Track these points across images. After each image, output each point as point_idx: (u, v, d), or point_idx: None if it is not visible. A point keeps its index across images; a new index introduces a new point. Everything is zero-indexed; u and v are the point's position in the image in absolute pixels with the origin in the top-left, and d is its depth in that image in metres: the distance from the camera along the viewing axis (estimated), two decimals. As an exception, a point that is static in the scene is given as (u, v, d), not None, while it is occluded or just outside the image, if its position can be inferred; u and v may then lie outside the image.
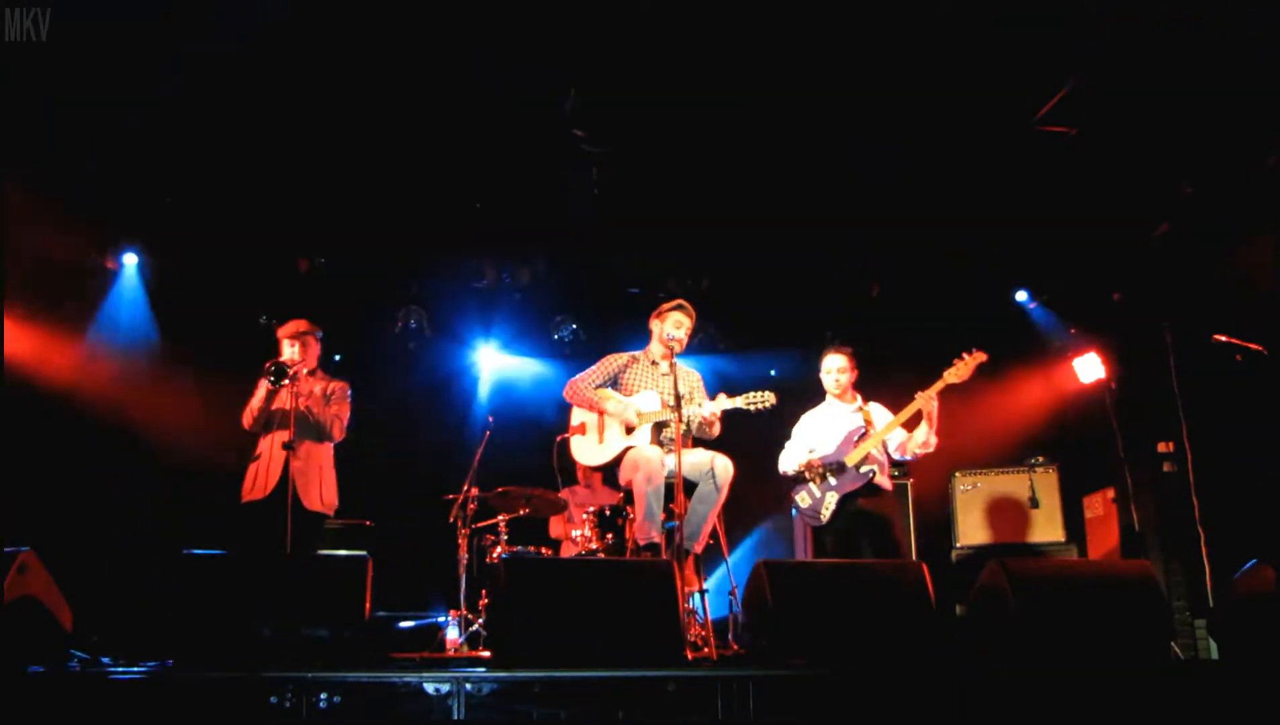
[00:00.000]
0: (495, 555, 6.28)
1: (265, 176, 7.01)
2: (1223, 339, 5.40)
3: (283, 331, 5.82)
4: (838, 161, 6.83)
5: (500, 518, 6.47)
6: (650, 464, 5.13)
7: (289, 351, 5.71)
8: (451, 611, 6.23)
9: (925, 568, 4.13)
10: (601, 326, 8.59)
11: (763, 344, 8.90)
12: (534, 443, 6.87)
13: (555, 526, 7.34)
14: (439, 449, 8.13)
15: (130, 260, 7.58)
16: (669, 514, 5.11)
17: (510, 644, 3.72)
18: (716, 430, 5.41)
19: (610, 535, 5.62)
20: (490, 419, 6.80)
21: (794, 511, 5.75)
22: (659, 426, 5.42)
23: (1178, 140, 6.25)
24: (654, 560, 4.79)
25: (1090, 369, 7.74)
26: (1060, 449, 7.47)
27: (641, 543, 5.11)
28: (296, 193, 7.19)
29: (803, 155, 6.81)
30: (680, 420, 4.98)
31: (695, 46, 5.77)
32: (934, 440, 5.49)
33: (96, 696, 3.28)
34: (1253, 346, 5.31)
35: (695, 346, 7.99)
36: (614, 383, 5.61)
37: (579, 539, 5.79)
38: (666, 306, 5.62)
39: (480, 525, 6.52)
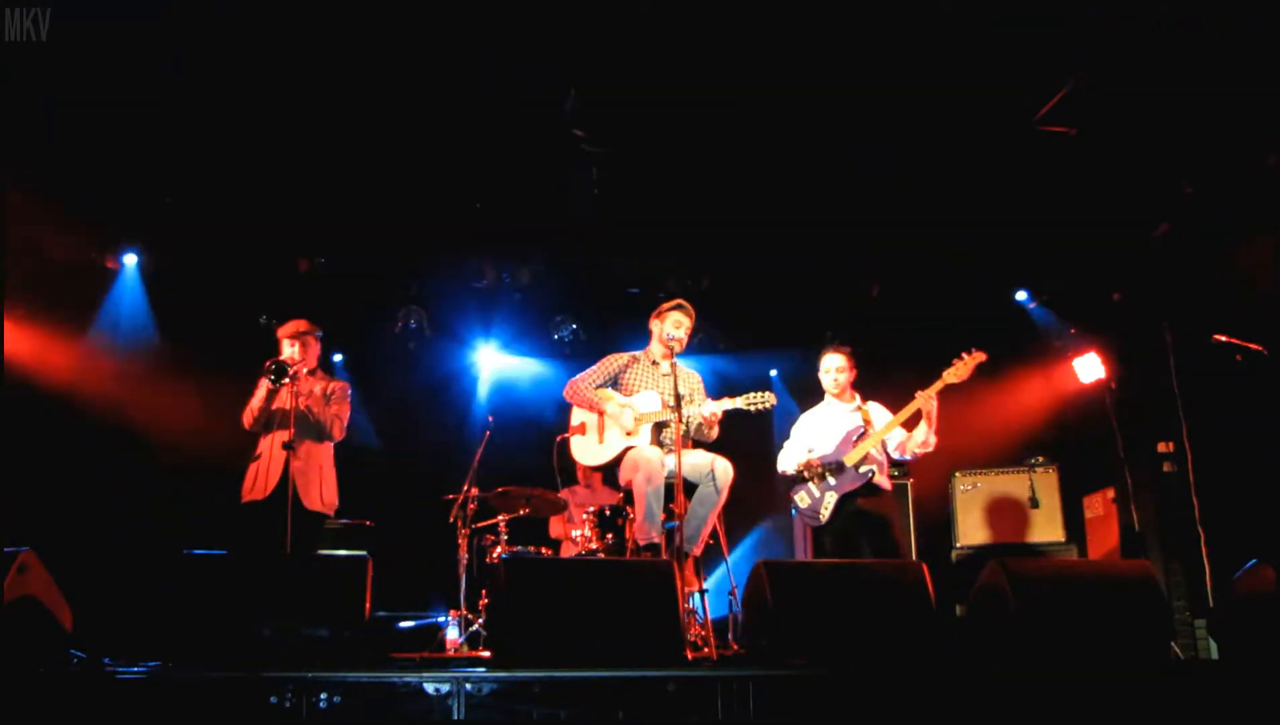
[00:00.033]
0: (495, 555, 6.28)
1: (265, 176, 7.01)
2: (1223, 339, 5.40)
3: (283, 331, 5.82)
4: (838, 161, 6.83)
5: (500, 518, 6.47)
6: (650, 464, 5.13)
7: (289, 351, 5.71)
8: (451, 611, 6.23)
9: (925, 568, 4.13)
10: (601, 326, 8.59)
11: (763, 344, 8.91)
12: (534, 443, 6.87)
13: (555, 526, 7.34)
14: (439, 449, 8.13)
15: (130, 260, 7.59)
16: (669, 514, 5.11)
17: (510, 644, 3.72)
18: (715, 433, 5.40)
19: (610, 535, 5.62)
20: (490, 419, 6.80)
21: (793, 511, 5.75)
22: (659, 427, 5.42)
23: (1178, 140, 6.25)
24: (654, 560, 4.79)
25: (1090, 369, 7.74)
26: (1060, 449, 7.47)
27: (641, 543, 5.11)
28: (296, 193, 7.19)
29: (803, 155, 6.81)
30: (680, 421, 4.98)
31: (695, 46, 5.77)
32: (933, 440, 5.49)
33: (96, 696, 3.28)
34: (1253, 346, 5.31)
35: (695, 346, 8.00)
36: (614, 383, 5.60)
37: (579, 539, 5.79)
38: (666, 306, 5.62)
39: (480, 525, 6.52)
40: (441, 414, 8.73)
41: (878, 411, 5.68)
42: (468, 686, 3.33)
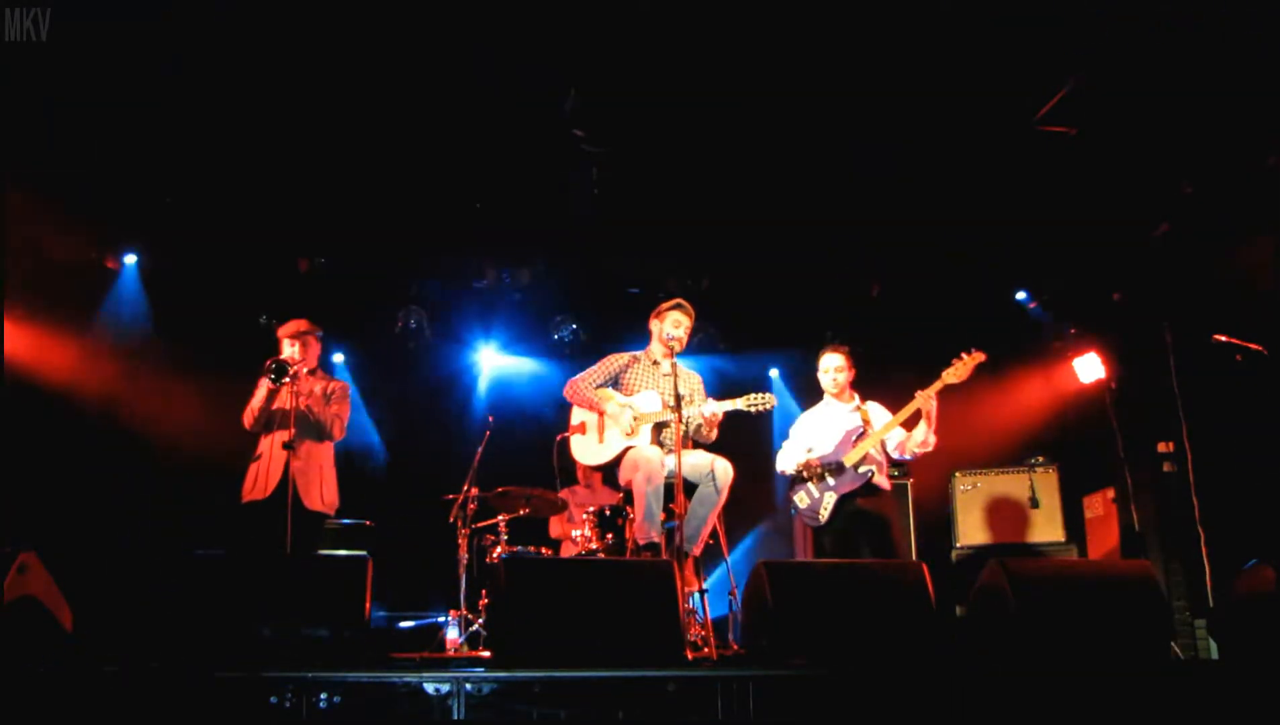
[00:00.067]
0: (495, 555, 6.28)
1: (265, 176, 7.01)
2: (1223, 339, 5.41)
3: (283, 331, 5.83)
4: (838, 161, 6.83)
5: (500, 518, 6.46)
6: (650, 464, 5.13)
7: (289, 351, 5.71)
8: (451, 611, 6.23)
9: (925, 568, 4.13)
10: (601, 326, 8.59)
11: (763, 344, 8.91)
12: (534, 443, 6.87)
13: (555, 526, 7.34)
14: (439, 449, 8.13)
15: (130, 260, 7.59)
16: (669, 514, 5.11)
17: (510, 644, 3.72)
18: (714, 434, 5.40)
19: (610, 535, 5.62)
20: (490, 419, 6.80)
21: (793, 511, 5.75)
22: (659, 427, 5.42)
23: (1178, 140, 6.25)
24: (654, 560, 4.79)
25: (1090, 369, 7.74)
26: (1060, 449, 7.48)
27: (641, 542, 5.11)
28: (296, 193, 7.19)
29: (803, 155, 6.81)
30: (680, 421, 4.98)
31: (695, 46, 5.77)
32: (933, 440, 5.49)
33: (96, 696, 3.28)
34: (1253, 346, 5.32)
35: (695, 346, 8.00)
36: (615, 383, 5.60)
37: (579, 539, 5.79)
38: (665, 306, 5.61)
39: (480, 525, 6.52)
40: (441, 414, 8.72)
41: (877, 411, 5.68)
42: (468, 686, 3.33)
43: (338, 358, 8.51)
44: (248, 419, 5.63)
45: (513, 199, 7.40)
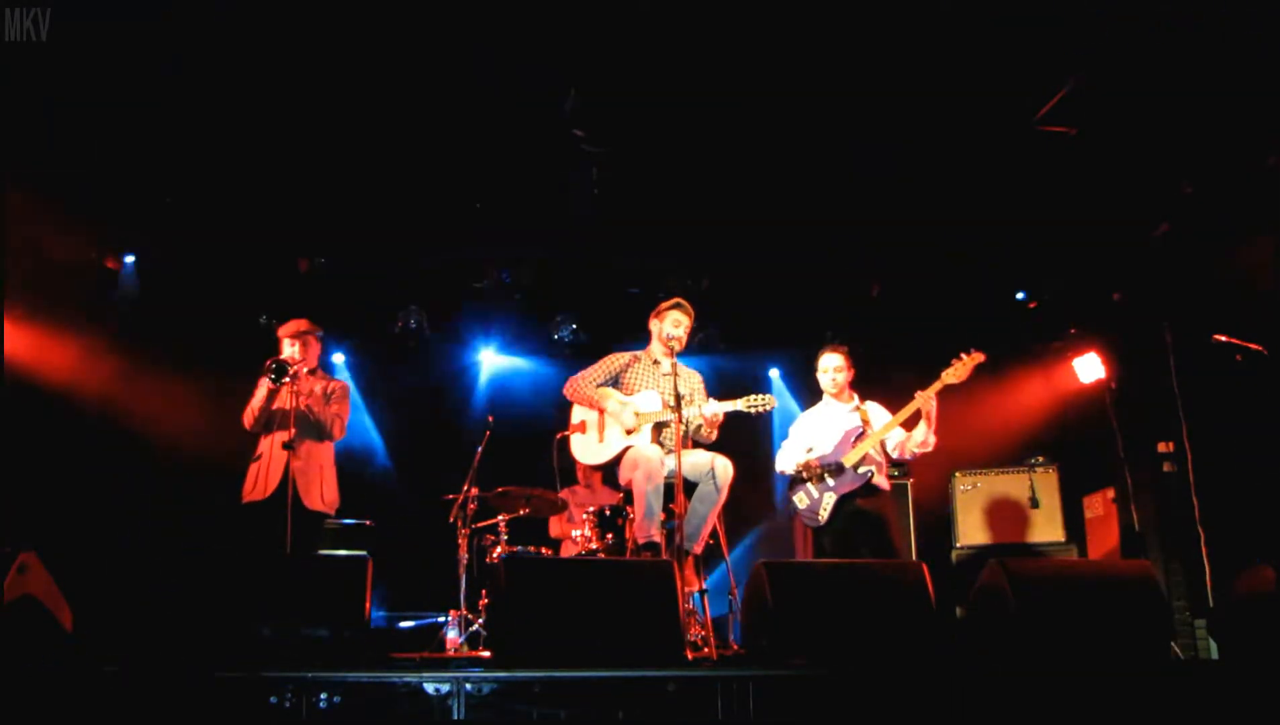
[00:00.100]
0: (495, 555, 6.28)
1: (264, 176, 7.01)
2: (1223, 339, 5.41)
3: (283, 331, 5.83)
4: (838, 161, 6.83)
5: (500, 518, 6.47)
6: (650, 463, 5.13)
7: (289, 350, 5.71)
8: (451, 611, 6.23)
9: (925, 568, 4.13)
10: (601, 326, 8.59)
11: (763, 344, 8.91)
12: (534, 443, 6.87)
13: (555, 526, 7.34)
14: (439, 449, 8.13)
15: (130, 260, 7.58)
16: (669, 514, 5.11)
17: (510, 644, 3.72)
18: (714, 435, 5.39)
19: (610, 535, 5.62)
20: (490, 419, 6.80)
21: (792, 511, 5.75)
22: (659, 427, 5.41)
23: (1178, 140, 6.25)
24: (654, 560, 4.79)
25: (1090, 369, 7.74)
26: (1060, 449, 7.48)
27: (641, 541, 5.10)
28: (296, 193, 7.19)
29: (803, 155, 6.81)
30: (680, 421, 4.97)
31: (695, 46, 5.77)
32: (933, 440, 5.49)
33: (96, 696, 3.28)
34: (1253, 346, 5.32)
35: (695, 346, 8.00)
36: (615, 382, 5.60)
37: (579, 539, 5.79)
38: (665, 305, 5.61)
39: (480, 525, 6.52)
40: (441, 414, 8.72)
41: (876, 411, 5.68)
42: (468, 686, 3.33)
43: (338, 358, 8.51)
44: (248, 419, 5.63)
45: (513, 199, 7.40)
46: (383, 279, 8.28)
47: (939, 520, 7.43)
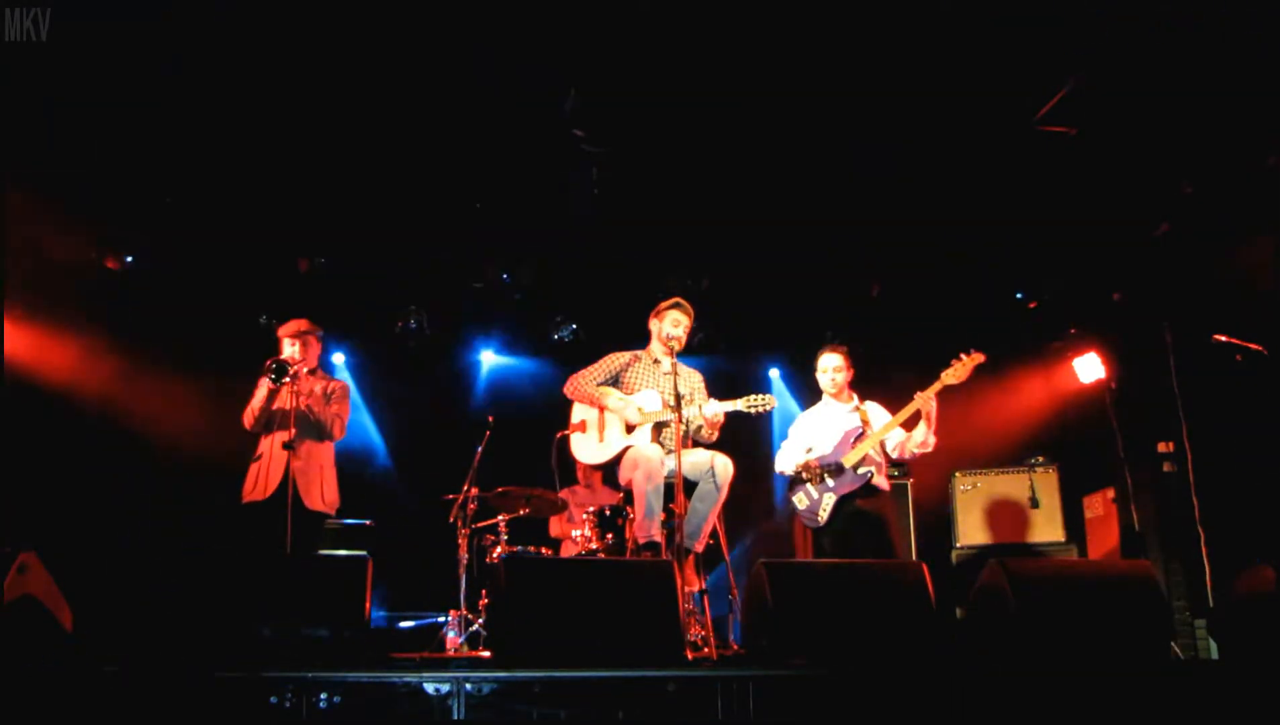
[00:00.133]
0: (495, 555, 6.28)
1: (264, 176, 7.01)
2: (1223, 339, 5.41)
3: (283, 331, 5.83)
4: (838, 161, 6.83)
5: (500, 518, 6.46)
6: (650, 462, 5.13)
7: (289, 350, 5.71)
8: (451, 611, 6.23)
9: (925, 568, 4.13)
10: (601, 326, 8.58)
11: (763, 344, 8.90)
12: (534, 443, 6.87)
13: (555, 526, 7.34)
14: (439, 449, 8.13)
15: (131, 260, 7.58)
16: (669, 513, 5.11)
17: (510, 644, 3.72)
18: (715, 436, 5.39)
19: (610, 535, 5.62)
20: (490, 419, 6.79)
21: (790, 511, 5.75)
22: (659, 427, 5.41)
23: (1178, 140, 6.25)
24: (654, 560, 4.79)
25: (1090, 369, 7.74)
26: (1060, 449, 7.48)
27: (641, 541, 5.10)
28: (296, 193, 7.19)
29: (803, 155, 6.81)
30: (680, 420, 4.97)
31: (695, 46, 5.77)
32: (933, 440, 5.49)
33: (96, 696, 3.28)
34: (1253, 346, 5.32)
35: (695, 346, 8.00)
36: (615, 381, 5.59)
37: (579, 539, 5.79)
38: (664, 305, 5.61)
39: (480, 525, 6.51)
40: (441, 414, 8.72)
41: (876, 411, 5.68)
42: (468, 686, 3.33)
43: (338, 358, 8.51)
44: (248, 419, 5.63)
45: (513, 199, 7.40)
46: (383, 279, 8.27)
47: (939, 520, 7.43)
